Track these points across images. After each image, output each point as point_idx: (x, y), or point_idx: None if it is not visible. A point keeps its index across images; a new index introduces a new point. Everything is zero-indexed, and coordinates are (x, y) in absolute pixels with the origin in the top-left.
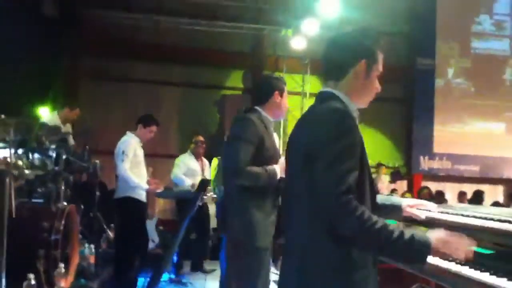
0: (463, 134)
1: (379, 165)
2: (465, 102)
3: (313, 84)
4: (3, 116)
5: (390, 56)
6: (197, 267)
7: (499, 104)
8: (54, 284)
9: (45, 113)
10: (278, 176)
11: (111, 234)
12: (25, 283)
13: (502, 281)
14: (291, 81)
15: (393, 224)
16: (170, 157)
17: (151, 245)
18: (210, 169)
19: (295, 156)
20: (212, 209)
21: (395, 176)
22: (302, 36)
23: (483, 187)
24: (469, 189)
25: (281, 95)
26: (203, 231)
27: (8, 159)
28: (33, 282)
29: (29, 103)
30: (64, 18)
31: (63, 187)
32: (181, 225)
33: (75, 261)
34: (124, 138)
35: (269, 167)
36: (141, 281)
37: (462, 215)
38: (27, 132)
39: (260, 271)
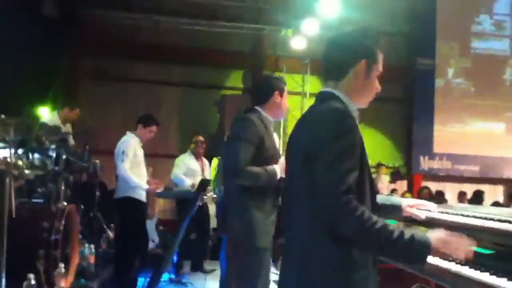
0: (463, 134)
1: (379, 165)
2: (465, 102)
3: (313, 84)
4: (3, 116)
5: (390, 56)
6: (197, 267)
7: (499, 104)
8: (54, 284)
9: (45, 113)
10: (278, 176)
11: (111, 234)
12: (25, 283)
13: (502, 281)
14: (291, 81)
15: (393, 224)
16: (170, 157)
17: (151, 245)
18: (210, 169)
19: (295, 156)
20: (212, 209)
21: (395, 176)
22: (302, 36)
23: (483, 187)
24: (469, 189)
25: (281, 95)
26: (203, 231)
27: (8, 159)
28: (33, 282)
29: (29, 103)
30: (64, 18)
31: (63, 187)
32: (181, 225)
33: (75, 261)
34: (124, 138)
35: (269, 167)
36: (141, 281)
37: (462, 215)
38: (27, 132)
39: (260, 271)
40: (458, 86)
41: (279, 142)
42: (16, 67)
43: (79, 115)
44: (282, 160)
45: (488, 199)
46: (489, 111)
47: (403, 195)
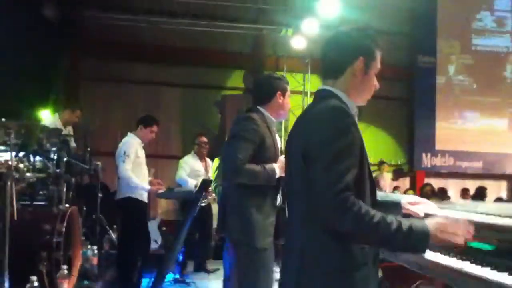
0: (465, 130)
1: (381, 163)
2: (466, 98)
3: (314, 83)
4: (3, 119)
5: (392, 55)
6: (200, 267)
7: (501, 101)
8: (57, 286)
9: (46, 116)
10: (278, 175)
11: (113, 235)
12: (28, 286)
13: (503, 276)
14: (292, 80)
15: (390, 216)
16: (172, 158)
17: (154, 245)
18: None
19: (294, 155)
20: (215, 208)
21: (398, 173)
22: (302, 36)
23: (487, 183)
24: (472, 185)
25: (284, 95)
26: (206, 231)
27: (9, 162)
28: (35, 284)
29: (29, 106)
30: (64, 20)
31: (64, 189)
32: (183, 226)
33: (78, 262)
34: (125, 139)
35: (268, 166)
36: (146, 281)
37: (462, 211)
38: (28, 135)
39: (260, 271)
40: (459, 83)
41: (281, 142)
42: (16, 69)
43: (80, 116)
44: (282, 158)
45: (491, 195)
46: (491, 108)
47: (405, 192)
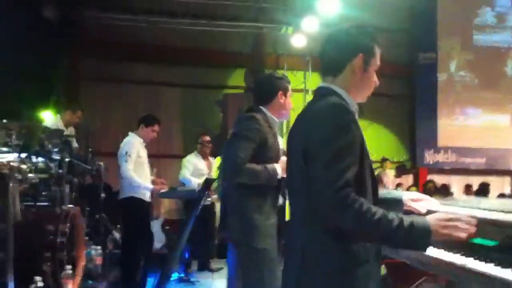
0: (468, 127)
1: (384, 160)
2: (468, 95)
3: (315, 81)
4: (5, 120)
5: (392, 53)
6: (204, 266)
7: (503, 97)
8: (61, 286)
9: (48, 117)
10: (279, 175)
11: (117, 235)
12: (32, 286)
13: (506, 272)
14: (293, 79)
15: (392, 213)
16: (174, 157)
17: (158, 245)
18: None
19: (294, 153)
20: (219, 207)
21: (401, 170)
22: (302, 34)
23: (490, 179)
24: (476, 181)
25: (285, 95)
26: (209, 230)
27: (12, 163)
28: (40, 284)
29: (29, 106)
30: (64, 20)
31: (67, 190)
32: (186, 225)
33: (82, 262)
34: (127, 139)
35: (269, 165)
36: (150, 281)
37: (465, 207)
38: (29, 136)
39: (259, 271)
40: (461, 80)
41: (283, 142)
42: (16, 69)
43: (81, 117)
44: (283, 158)
45: (495, 191)
46: (493, 103)
47: (408, 189)
